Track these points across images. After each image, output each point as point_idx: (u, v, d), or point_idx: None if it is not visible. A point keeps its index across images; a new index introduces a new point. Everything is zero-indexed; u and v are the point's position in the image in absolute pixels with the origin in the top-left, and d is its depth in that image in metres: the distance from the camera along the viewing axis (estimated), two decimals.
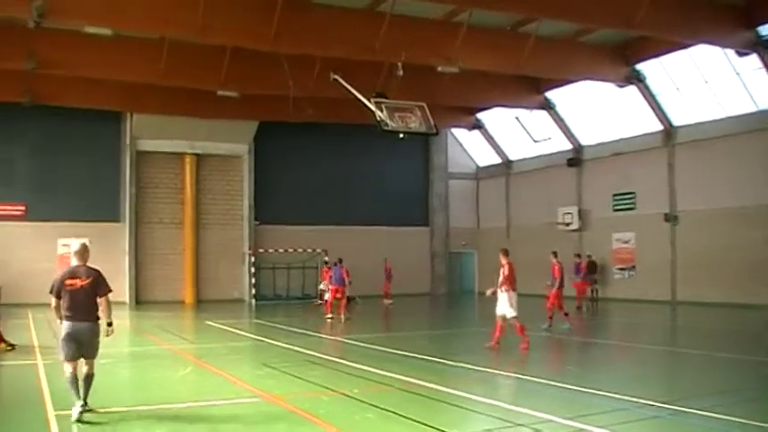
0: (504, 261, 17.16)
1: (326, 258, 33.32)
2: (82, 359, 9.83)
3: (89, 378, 9.88)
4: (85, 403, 9.70)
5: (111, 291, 10.00)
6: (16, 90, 29.12)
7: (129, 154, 35.35)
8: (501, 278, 17.00)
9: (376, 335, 18.15)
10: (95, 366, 10.06)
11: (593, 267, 33.69)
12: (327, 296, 28.22)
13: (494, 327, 16.97)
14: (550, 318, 21.08)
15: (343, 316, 25.85)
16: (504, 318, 16.86)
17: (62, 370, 9.92)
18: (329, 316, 26.04)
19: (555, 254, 22.49)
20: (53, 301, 9.80)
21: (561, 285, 21.53)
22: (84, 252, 10.04)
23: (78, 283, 9.71)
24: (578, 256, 28.54)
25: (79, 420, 9.47)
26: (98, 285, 9.84)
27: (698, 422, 9.35)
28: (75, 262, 10.00)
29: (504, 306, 16.86)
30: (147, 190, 36.16)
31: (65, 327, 9.71)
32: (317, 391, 11.83)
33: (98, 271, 10.05)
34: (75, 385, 9.69)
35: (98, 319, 9.89)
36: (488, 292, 17.50)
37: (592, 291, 33.37)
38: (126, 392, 12.48)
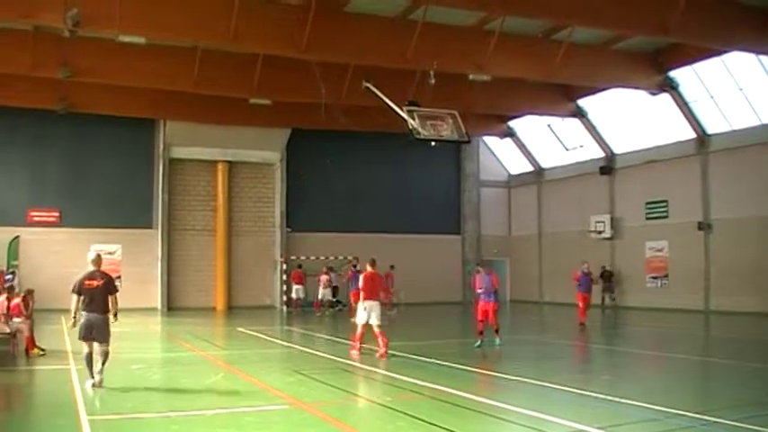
0: (366, 270, 17.82)
1: (340, 264, 34.14)
2: (96, 345, 12.33)
3: (105, 354, 12.43)
4: (101, 376, 12.32)
5: (118, 291, 12.63)
6: (51, 98, 29.52)
7: (162, 161, 35.62)
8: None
9: (406, 343, 18.12)
10: (109, 347, 12.53)
11: (608, 277, 34.73)
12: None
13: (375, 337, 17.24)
14: (497, 331, 19.31)
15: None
16: (377, 325, 17.17)
17: (81, 349, 12.58)
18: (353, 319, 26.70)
19: (483, 264, 21.46)
20: (74, 297, 12.27)
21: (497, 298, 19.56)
22: (98, 260, 12.72)
23: (94, 283, 12.29)
24: (585, 263, 26.76)
25: (93, 386, 12.12)
26: (109, 286, 12.45)
27: None
28: (91, 268, 12.52)
29: (360, 312, 17.38)
30: (179, 197, 36.42)
31: (83, 317, 12.24)
32: (347, 398, 11.85)
33: (110, 275, 12.83)
34: (89, 363, 12.30)
35: (108, 312, 12.36)
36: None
37: (603, 299, 34.18)
38: (158, 398, 12.53)
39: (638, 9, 23.48)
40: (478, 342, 18.75)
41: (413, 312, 32.36)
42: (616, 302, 34.52)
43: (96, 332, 12.26)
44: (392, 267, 33.67)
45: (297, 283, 34.31)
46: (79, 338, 12.35)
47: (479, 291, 19.34)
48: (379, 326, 17.25)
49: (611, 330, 24.07)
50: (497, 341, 19.02)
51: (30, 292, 18.92)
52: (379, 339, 16.95)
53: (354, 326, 18.44)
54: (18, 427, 10.17)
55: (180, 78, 27.43)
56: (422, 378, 13.28)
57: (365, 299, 17.40)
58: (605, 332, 23.46)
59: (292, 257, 36.94)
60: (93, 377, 12.25)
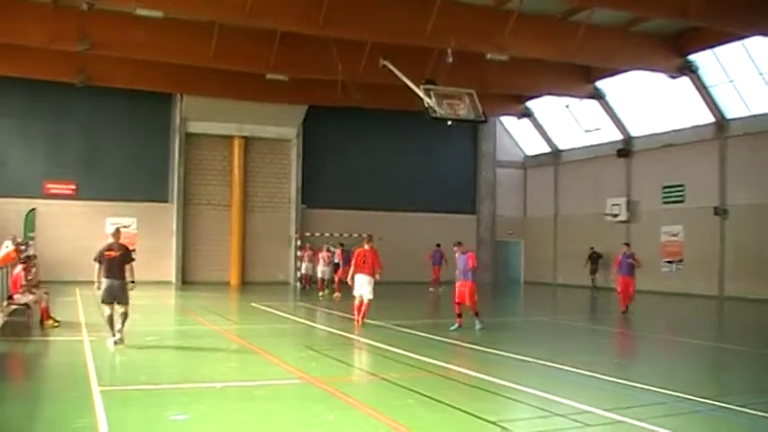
0: (362, 247, 19.07)
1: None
2: (117, 306, 13.97)
3: (124, 315, 14.04)
4: (121, 334, 13.92)
5: (134, 260, 14.36)
6: (69, 70, 29.54)
7: (179, 135, 35.69)
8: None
9: (419, 321, 18.20)
10: (129, 309, 14.15)
11: (596, 259, 36.28)
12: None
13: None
14: (476, 314, 18.15)
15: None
16: (368, 299, 18.42)
17: (102, 311, 14.44)
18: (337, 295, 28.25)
19: (459, 243, 19.20)
20: (96, 265, 13.99)
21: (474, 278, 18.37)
22: (117, 233, 14.52)
23: (113, 254, 14.00)
24: (626, 245, 25.33)
25: (115, 344, 13.79)
26: (126, 257, 14.17)
27: (739, 419, 9.25)
28: (111, 240, 14.30)
29: (356, 286, 18.59)
30: (195, 171, 36.51)
31: (104, 282, 13.90)
32: (357, 374, 11.94)
33: (126, 247, 14.55)
34: (110, 324, 13.99)
35: (125, 277, 14.05)
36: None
37: (593, 280, 36.03)
38: (170, 370, 12.66)
39: None
40: (455, 326, 17.83)
41: (426, 290, 32.41)
42: (596, 283, 36.10)
43: (118, 295, 13.96)
44: (438, 245, 33.95)
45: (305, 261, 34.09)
46: (102, 302, 14.09)
47: (456, 272, 18.64)
48: (370, 300, 18.36)
49: (624, 314, 23.94)
50: (477, 325, 17.91)
51: (32, 257, 19.11)
52: (363, 310, 18.34)
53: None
54: (31, 398, 10.31)
55: (197, 52, 27.33)
56: (432, 356, 13.34)
57: (358, 273, 18.52)
58: (616, 315, 23.39)
59: (307, 234, 36.98)
60: (114, 335, 13.93)
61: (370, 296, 18.37)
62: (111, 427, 8.11)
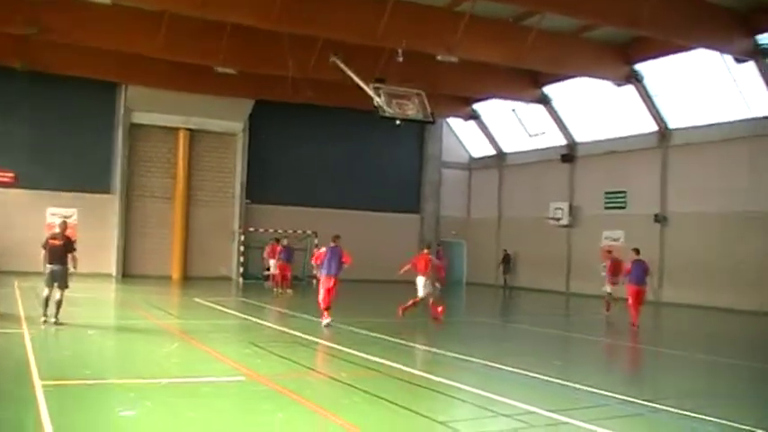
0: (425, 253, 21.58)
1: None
2: (56, 289, 15.94)
3: (59, 303, 15.93)
4: (57, 320, 15.74)
5: (75, 250, 16.39)
6: (11, 54, 28.85)
7: (123, 126, 35.03)
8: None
9: (365, 320, 18.19)
10: (65, 295, 16.10)
11: (507, 260, 38.79)
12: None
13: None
14: (327, 309, 18.16)
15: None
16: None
17: (40, 292, 16.52)
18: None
19: (337, 237, 19.00)
20: (42, 251, 16.13)
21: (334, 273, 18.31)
22: (63, 225, 16.69)
23: (56, 242, 16.12)
24: (636, 249, 24.04)
25: (45, 322, 15.65)
26: (67, 246, 16.23)
27: (678, 421, 9.43)
28: (57, 230, 16.45)
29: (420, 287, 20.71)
30: (139, 163, 35.95)
31: (47, 268, 15.98)
32: (303, 372, 11.89)
33: (69, 237, 16.62)
34: (45, 305, 15.89)
35: (66, 264, 16.12)
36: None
37: (505, 281, 38.76)
38: (112, 365, 12.53)
39: (611, 0, 23.64)
40: (326, 321, 17.93)
41: (370, 289, 32.43)
42: (508, 283, 38.86)
43: (58, 279, 15.95)
44: (439, 244, 37.52)
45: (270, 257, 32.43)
46: (44, 285, 16.04)
47: (317, 264, 18.46)
48: (421, 297, 20.51)
49: (563, 318, 24.29)
50: (325, 321, 17.96)
51: None
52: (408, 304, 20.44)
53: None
54: None
55: (145, 42, 26.87)
56: (378, 355, 13.37)
57: (425, 276, 20.71)
58: (556, 318, 23.68)
59: (251, 229, 36.74)
60: (45, 316, 15.80)
61: (421, 293, 20.53)
62: (55, 424, 7.92)
